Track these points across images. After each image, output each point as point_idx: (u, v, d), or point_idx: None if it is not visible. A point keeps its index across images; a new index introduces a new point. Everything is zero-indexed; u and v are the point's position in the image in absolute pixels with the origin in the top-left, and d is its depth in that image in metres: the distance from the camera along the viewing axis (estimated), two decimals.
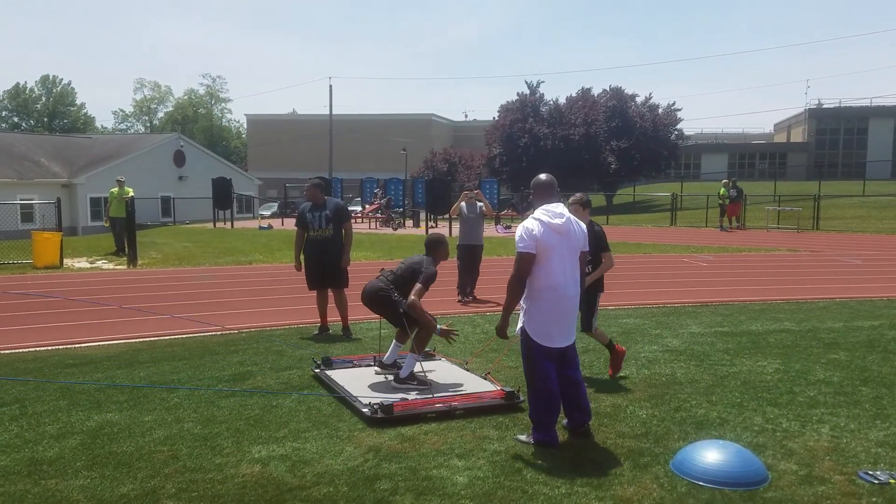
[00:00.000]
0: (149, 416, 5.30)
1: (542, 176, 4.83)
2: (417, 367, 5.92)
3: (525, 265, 4.51)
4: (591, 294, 6.13)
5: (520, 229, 4.59)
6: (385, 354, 6.30)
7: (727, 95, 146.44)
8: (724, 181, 27.57)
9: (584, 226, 4.82)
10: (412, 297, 5.78)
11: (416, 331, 5.99)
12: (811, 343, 7.58)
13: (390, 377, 6.02)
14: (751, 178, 53.25)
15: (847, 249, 18.89)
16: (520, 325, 4.70)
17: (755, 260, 16.85)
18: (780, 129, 74.78)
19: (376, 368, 6.31)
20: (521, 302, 4.66)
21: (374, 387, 5.83)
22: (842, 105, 63.91)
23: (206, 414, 5.31)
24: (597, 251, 5.99)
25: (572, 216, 4.73)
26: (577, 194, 6.03)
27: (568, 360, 4.73)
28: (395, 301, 5.94)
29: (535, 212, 4.65)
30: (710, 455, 4.08)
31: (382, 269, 6.33)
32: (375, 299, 6.05)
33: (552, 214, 4.58)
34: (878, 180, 47.97)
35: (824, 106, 64.45)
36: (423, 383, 5.81)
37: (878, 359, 6.87)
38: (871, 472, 4.10)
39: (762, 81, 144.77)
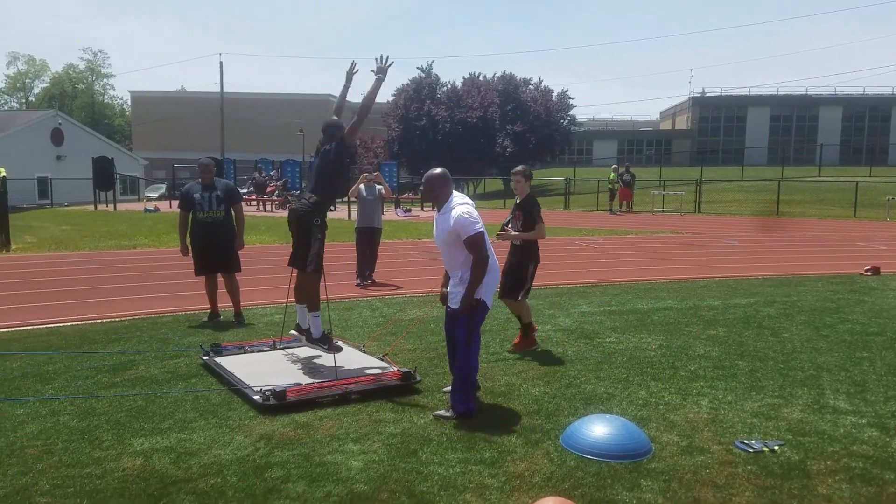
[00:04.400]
0: (21, 409, 4.96)
1: (439, 169, 5.04)
2: (317, 351, 5.85)
3: (485, 242, 4.78)
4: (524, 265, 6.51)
5: (467, 215, 4.74)
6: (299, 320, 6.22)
7: (616, 83, 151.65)
8: (613, 166, 28.53)
9: None
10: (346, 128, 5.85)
11: (306, 284, 5.91)
12: (692, 320, 7.96)
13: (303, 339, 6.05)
14: (638, 163, 55.31)
15: (726, 231, 19.98)
16: (476, 296, 4.82)
17: (641, 242, 17.56)
18: (666, 116, 78.12)
19: (293, 333, 6.22)
20: (455, 279, 4.88)
21: (267, 373, 5.67)
22: (723, 94, 67.38)
23: (83, 406, 5.02)
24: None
25: None
26: (520, 166, 6.57)
27: None
28: (315, 228, 5.80)
29: (456, 198, 4.89)
30: (598, 429, 4.21)
31: (301, 191, 6.18)
32: (300, 219, 5.88)
33: (469, 202, 4.90)
34: (755, 166, 51.01)
35: (707, 94, 67.75)
36: (334, 348, 5.84)
37: (754, 334, 7.30)
38: (746, 442, 4.34)
39: (650, 70, 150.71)
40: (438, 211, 4.95)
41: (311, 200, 5.86)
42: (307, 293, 5.93)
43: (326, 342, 5.89)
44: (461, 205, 4.83)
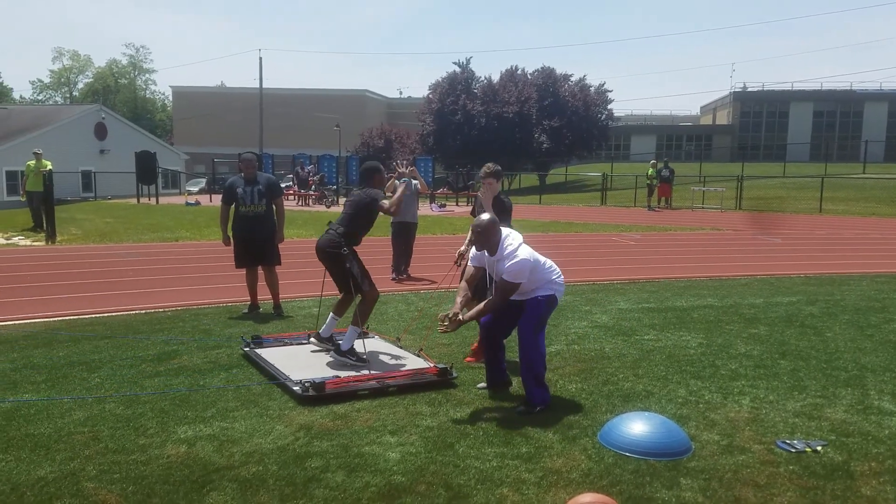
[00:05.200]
0: (68, 395, 5.09)
1: (486, 216, 4.94)
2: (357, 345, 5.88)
3: (510, 297, 4.84)
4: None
5: (520, 268, 4.76)
6: (322, 328, 6.22)
7: (656, 78, 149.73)
8: (651, 162, 28.17)
9: None
10: (386, 203, 5.82)
11: (359, 301, 5.92)
12: (733, 318, 7.85)
13: (329, 351, 5.98)
14: (678, 159, 54.63)
15: (767, 228, 19.61)
16: (548, 292, 4.95)
17: (681, 238, 17.34)
18: (706, 111, 76.94)
19: (312, 340, 6.24)
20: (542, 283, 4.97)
21: (306, 365, 5.75)
22: (765, 89, 66.14)
23: (129, 394, 5.14)
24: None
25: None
26: (489, 165, 6.16)
27: None
28: (343, 256, 5.83)
29: (508, 241, 4.87)
30: (636, 427, 4.18)
31: (330, 221, 6.14)
32: (326, 254, 5.90)
33: (520, 239, 4.95)
34: (797, 162, 50.01)
35: (748, 89, 66.55)
36: (361, 360, 5.78)
37: (796, 333, 7.17)
38: (788, 441, 4.28)
39: (690, 65, 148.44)
40: (490, 255, 4.91)
41: (338, 231, 5.91)
42: (359, 310, 5.90)
43: (353, 356, 5.80)
44: (516, 252, 4.80)
